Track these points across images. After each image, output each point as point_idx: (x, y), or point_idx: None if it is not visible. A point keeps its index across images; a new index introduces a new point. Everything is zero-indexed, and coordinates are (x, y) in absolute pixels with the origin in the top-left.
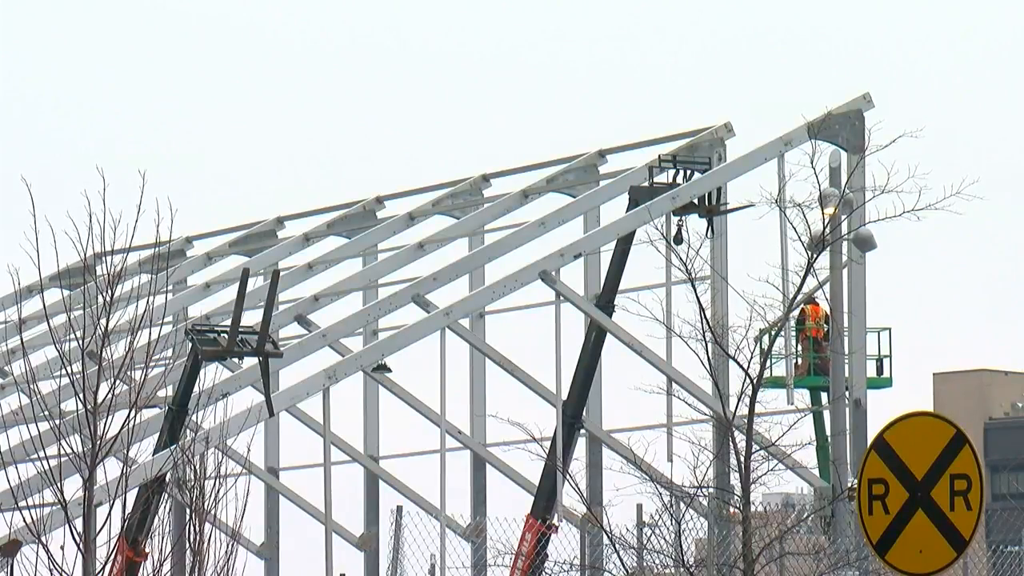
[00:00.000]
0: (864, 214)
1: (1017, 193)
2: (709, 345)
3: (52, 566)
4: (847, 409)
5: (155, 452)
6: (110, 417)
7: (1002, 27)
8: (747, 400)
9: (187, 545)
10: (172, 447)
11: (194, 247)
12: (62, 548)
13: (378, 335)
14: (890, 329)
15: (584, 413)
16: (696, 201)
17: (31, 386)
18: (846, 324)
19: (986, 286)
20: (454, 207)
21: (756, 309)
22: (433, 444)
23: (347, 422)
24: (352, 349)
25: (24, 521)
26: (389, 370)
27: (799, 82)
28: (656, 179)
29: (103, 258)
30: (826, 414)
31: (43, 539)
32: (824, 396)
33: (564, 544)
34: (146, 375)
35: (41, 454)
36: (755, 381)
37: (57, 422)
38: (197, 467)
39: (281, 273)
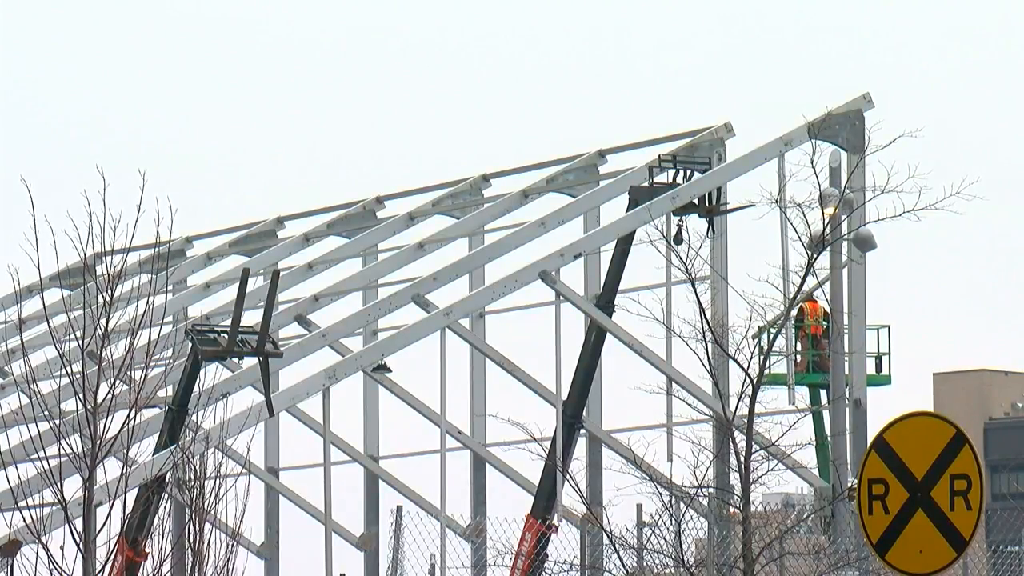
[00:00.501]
0: (864, 214)
1: (1017, 193)
2: (709, 345)
3: (52, 566)
4: (847, 409)
5: (155, 452)
6: (110, 417)
7: (1002, 27)
8: (747, 400)
9: (187, 545)
10: (172, 447)
11: (194, 247)
12: (62, 548)
13: (378, 335)
14: (889, 326)
15: (584, 413)
16: (696, 201)
17: (31, 386)
18: (846, 324)
19: (986, 286)
20: (454, 207)
21: (756, 309)
22: (433, 444)
23: (347, 422)
24: (352, 349)
25: (24, 521)
26: (389, 370)
27: (799, 82)
28: (656, 179)
29: (103, 258)
30: (826, 413)
31: (43, 539)
32: (823, 393)
33: (564, 544)
34: (146, 375)
35: (41, 454)
36: (755, 381)
37: (57, 422)
38: (197, 467)
39: (281, 273)
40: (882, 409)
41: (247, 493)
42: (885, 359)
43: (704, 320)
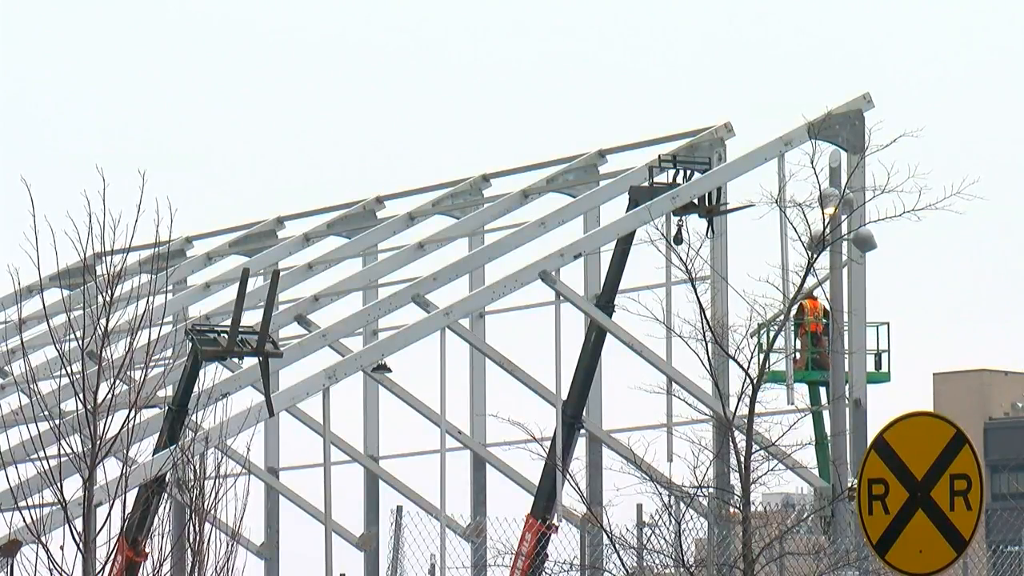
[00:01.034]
0: (864, 214)
1: (1017, 193)
2: (709, 345)
3: (52, 566)
4: (847, 409)
5: (155, 452)
6: (110, 417)
7: (1002, 27)
8: (747, 400)
9: (187, 545)
10: (172, 447)
11: (194, 247)
12: (62, 548)
13: (378, 335)
14: (888, 323)
15: (584, 413)
16: (696, 201)
17: (31, 386)
18: (846, 323)
19: (986, 286)
20: (454, 207)
21: (756, 309)
22: (433, 444)
23: (347, 422)
24: (352, 349)
25: (24, 521)
26: (389, 370)
27: (799, 82)
28: (656, 179)
29: (103, 258)
30: (826, 412)
31: (43, 539)
32: (823, 391)
33: (564, 544)
34: (146, 375)
35: (41, 454)
36: (755, 381)
37: (57, 422)
38: (197, 467)
39: (281, 273)
40: (882, 409)
41: (247, 493)
42: (884, 356)
43: (704, 320)
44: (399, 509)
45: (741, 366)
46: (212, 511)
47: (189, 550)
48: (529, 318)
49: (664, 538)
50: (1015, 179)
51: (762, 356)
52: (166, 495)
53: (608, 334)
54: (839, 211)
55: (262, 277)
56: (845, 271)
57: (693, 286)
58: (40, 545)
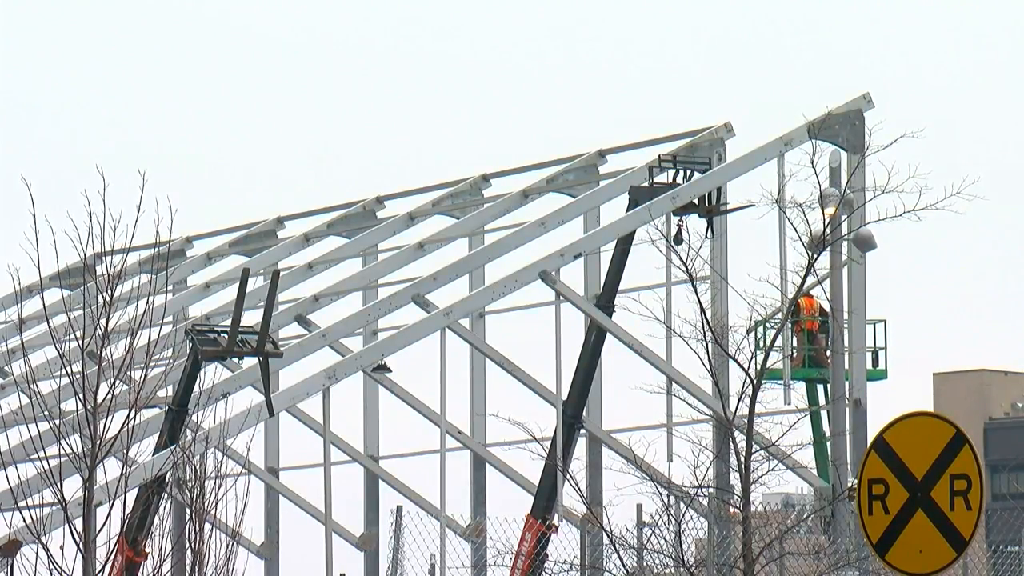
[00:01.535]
0: (864, 214)
1: (1017, 193)
2: (709, 345)
3: (52, 566)
4: (847, 409)
5: (155, 452)
6: (110, 417)
7: (1002, 27)
8: (747, 400)
9: (187, 545)
10: (172, 447)
11: (194, 247)
12: (62, 548)
13: (378, 335)
14: (885, 321)
15: (584, 413)
16: (696, 201)
17: (31, 386)
18: (846, 323)
19: (986, 286)
20: (454, 207)
21: (756, 309)
22: (433, 444)
23: (347, 422)
24: (352, 349)
25: (24, 521)
26: (389, 370)
27: (799, 82)
28: (656, 179)
29: (103, 258)
30: (824, 411)
31: (43, 539)
32: (820, 388)
33: (564, 544)
34: (146, 375)
35: (41, 454)
36: (755, 381)
37: (57, 422)
38: (197, 467)
39: (281, 273)
40: (882, 408)
41: (247, 493)
42: (882, 354)
43: (704, 320)
44: (399, 509)
45: (741, 366)
46: (212, 511)
47: (189, 550)
48: (529, 318)
49: (664, 538)
50: (1015, 179)
51: (761, 355)
52: (166, 495)
53: (608, 334)
54: (839, 211)
55: (262, 277)
56: (845, 271)
57: (693, 286)
58: (40, 545)
